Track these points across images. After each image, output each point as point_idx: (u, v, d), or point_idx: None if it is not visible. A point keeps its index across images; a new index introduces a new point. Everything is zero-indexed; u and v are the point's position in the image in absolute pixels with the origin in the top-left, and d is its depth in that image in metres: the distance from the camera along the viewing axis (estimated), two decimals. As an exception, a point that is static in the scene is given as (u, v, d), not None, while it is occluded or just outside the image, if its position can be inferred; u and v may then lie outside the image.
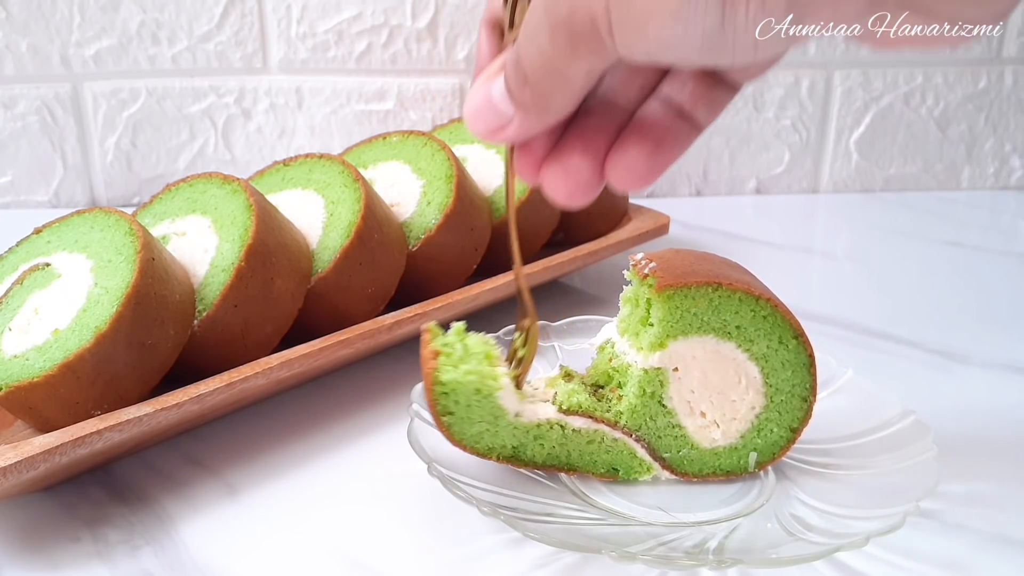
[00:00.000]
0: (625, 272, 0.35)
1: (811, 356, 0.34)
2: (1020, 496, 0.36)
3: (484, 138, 0.27)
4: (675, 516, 0.33)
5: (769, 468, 0.36)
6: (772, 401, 0.35)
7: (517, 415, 0.32)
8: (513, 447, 0.33)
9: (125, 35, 0.66)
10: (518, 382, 0.33)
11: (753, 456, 0.35)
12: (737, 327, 0.34)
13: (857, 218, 0.71)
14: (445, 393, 0.31)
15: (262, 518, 0.34)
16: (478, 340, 0.32)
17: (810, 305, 0.54)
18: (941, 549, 0.33)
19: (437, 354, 0.31)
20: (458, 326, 0.32)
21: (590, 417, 0.34)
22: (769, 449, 0.35)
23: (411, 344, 0.41)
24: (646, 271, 0.34)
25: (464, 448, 0.33)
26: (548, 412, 0.33)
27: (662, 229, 0.57)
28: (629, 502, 0.34)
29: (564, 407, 0.34)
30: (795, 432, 0.35)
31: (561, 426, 0.33)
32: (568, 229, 0.56)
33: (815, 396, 0.35)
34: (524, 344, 0.33)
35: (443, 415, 0.32)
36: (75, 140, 0.68)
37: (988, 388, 0.44)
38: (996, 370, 0.46)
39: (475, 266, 0.49)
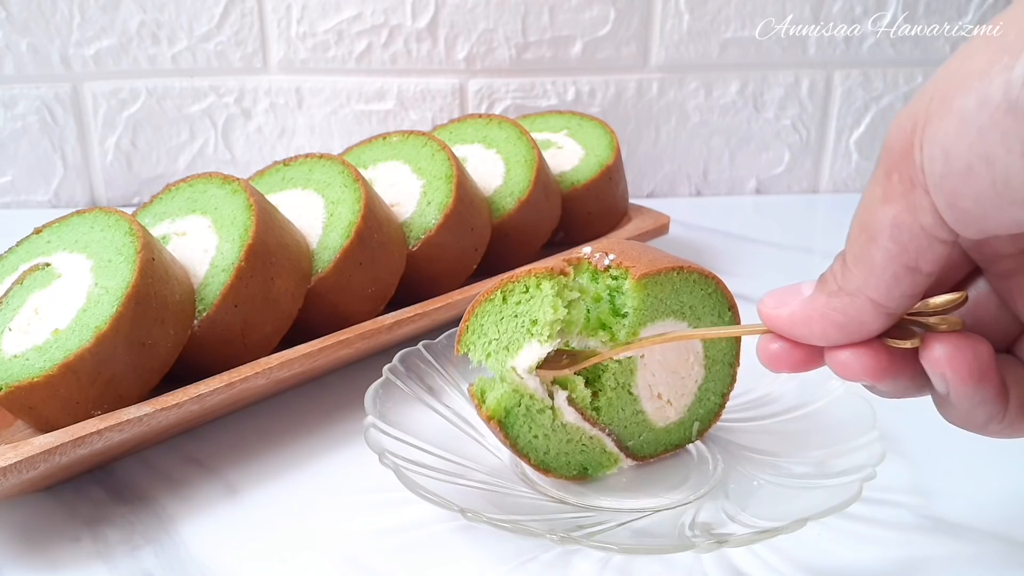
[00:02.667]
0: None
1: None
2: (1021, 495, 0.36)
3: (770, 318, 0.25)
4: (643, 501, 0.34)
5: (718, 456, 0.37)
6: (710, 372, 0.37)
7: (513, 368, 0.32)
8: (506, 408, 0.33)
9: (125, 35, 0.66)
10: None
11: (696, 426, 0.37)
12: (691, 307, 0.35)
13: (857, 218, 0.71)
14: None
15: (262, 518, 0.34)
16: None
17: (810, 305, 0.54)
18: (948, 550, 0.32)
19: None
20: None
21: (580, 412, 0.34)
22: (707, 417, 0.37)
23: (411, 344, 0.41)
24: (607, 263, 0.34)
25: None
26: (543, 385, 0.34)
27: (662, 229, 0.57)
28: (596, 493, 0.35)
29: (573, 395, 0.34)
30: (725, 397, 0.38)
31: (553, 411, 0.33)
32: (568, 229, 0.56)
33: (739, 362, 0.37)
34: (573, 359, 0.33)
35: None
36: (75, 140, 0.68)
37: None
38: (996, 370, 0.46)
39: (475, 266, 0.49)
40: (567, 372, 0.33)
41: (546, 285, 0.32)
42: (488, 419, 0.33)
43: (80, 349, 0.34)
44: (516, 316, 0.32)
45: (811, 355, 0.25)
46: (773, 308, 0.25)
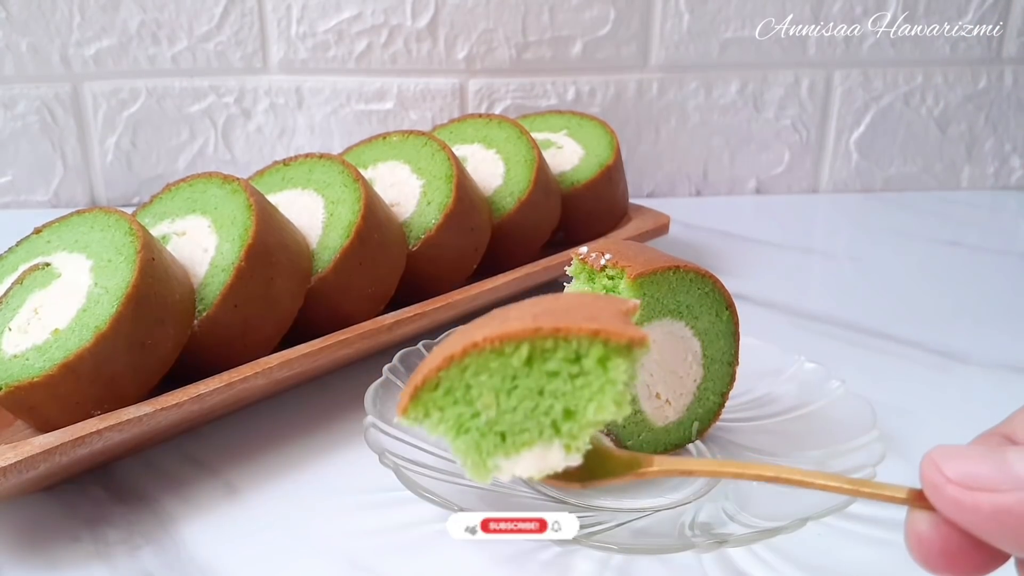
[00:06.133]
0: (567, 269, 0.36)
1: (737, 325, 0.36)
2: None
3: (959, 505, 0.16)
4: (644, 502, 0.34)
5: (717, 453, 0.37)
6: (709, 371, 0.36)
7: None
8: None
9: (125, 35, 0.66)
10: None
11: (695, 426, 0.37)
12: (687, 306, 0.35)
13: (857, 218, 0.71)
14: None
15: (262, 518, 0.34)
16: None
17: (810, 305, 0.54)
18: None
19: None
20: None
21: None
22: (706, 416, 0.37)
23: (411, 344, 0.41)
24: (603, 263, 0.34)
25: None
26: None
27: (662, 229, 0.57)
28: (596, 493, 0.34)
29: None
30: (724, 397, 0.37)
31: None
32: (568, 229, 0.56)
33: (738, 361, 0.37)
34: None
35: None
36: (75, 140, 0.68)
37: (988, 388, 0.44)
38: (996, 370, 0.46)
39: (475, 266, 0.49)
40: (576, 487, 0.22)
41: (619, 366, 0.19)
42: None
43: (80, 349, 0.34)
44: (541, 394, 0.20)
45: (996, 555, 0.17)
46: (967, 491, 0.16)
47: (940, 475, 0.17)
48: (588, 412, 0.20)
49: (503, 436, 0.20)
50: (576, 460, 0.20)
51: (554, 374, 0.20)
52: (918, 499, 0.18)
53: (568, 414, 0.20)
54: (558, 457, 0.20)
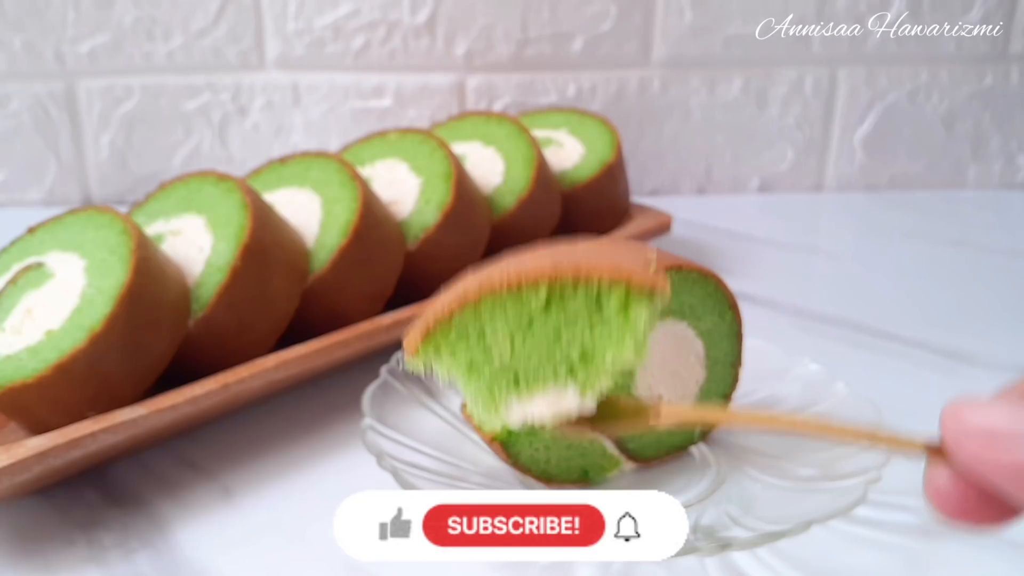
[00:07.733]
0: None
1: (740, 326, 0.36)
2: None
3: (966, 433, 0.16)
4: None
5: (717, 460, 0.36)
6: (711, 373, 0.36)
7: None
8: (508, 431, 0.31)
9: (120, 31, 0.66)
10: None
11: (698, 428, 0.36)
12: (690, 307, 0.34)
13: (862, 217, 0.70)
14: None
15: (258, 522, 0.34)
16: None
17: (814, 305, 0.54)
18: (953, 554, 0.32)
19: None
20: None
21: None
22: None
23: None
24: None
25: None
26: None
27: (664, 228, 0.57)
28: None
29: None
30: (727, 399, 0.36)
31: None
32: (569, 228, 0.56)
33: (741, 363, 0.36)
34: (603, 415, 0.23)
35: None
36: (69, 138, 0.68)
37: (995, 389, 0.44)
38: (1002, 371, 0.45)
39: (474, 266, 0.49)
40: (586, 429, 0.21)
41: (641, 313, 0.19)
42: (491, 441, 0.32)
43: (73, 350, 0.34)
44: (558, 338, 0.19)
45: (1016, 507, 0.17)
46: (987, 447, 0.16)
47: (961, 426, 0.17)
48: (607, 357, 0.20)
49: (516, 378, 0.20)
50: (590, 404, 0.20)
51: (573, 318, 0.19)
52: (937, 451, 0.18)
53: (585, 358, 0.20)
54: (573, 401, 0.20)
